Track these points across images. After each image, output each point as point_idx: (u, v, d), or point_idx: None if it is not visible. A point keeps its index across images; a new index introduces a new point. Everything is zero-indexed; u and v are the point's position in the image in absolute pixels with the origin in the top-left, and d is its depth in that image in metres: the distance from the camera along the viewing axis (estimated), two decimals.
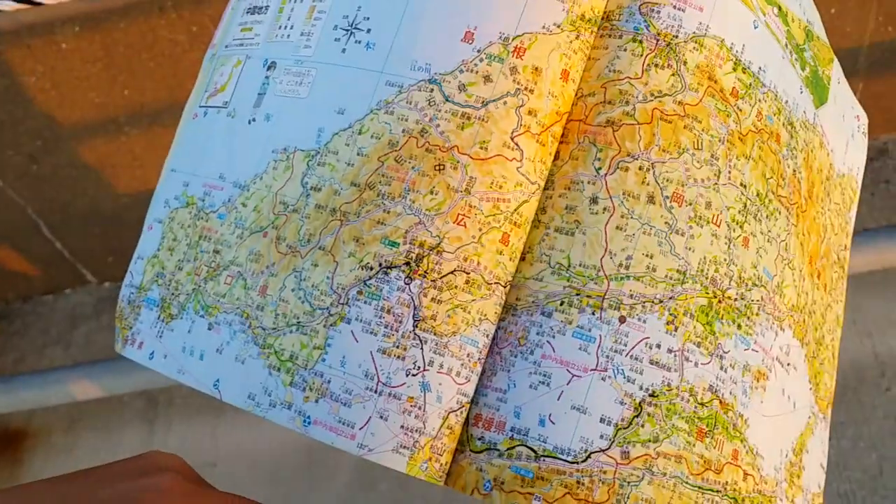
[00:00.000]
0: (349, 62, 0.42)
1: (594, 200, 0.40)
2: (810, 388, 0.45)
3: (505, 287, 0.40)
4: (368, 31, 0.42)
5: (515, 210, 0.40)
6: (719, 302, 0.40)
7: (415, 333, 0.38)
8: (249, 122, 0.45)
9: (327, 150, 0.42)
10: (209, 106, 0.48)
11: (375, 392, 0.38)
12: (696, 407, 0.38)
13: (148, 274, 0.47)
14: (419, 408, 0.38)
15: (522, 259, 0.41)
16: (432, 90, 0.40)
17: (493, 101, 0.40)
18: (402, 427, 0.37)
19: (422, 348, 0.38)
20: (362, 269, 0.39)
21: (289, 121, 0.44)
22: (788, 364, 0.42)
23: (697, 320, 0.39)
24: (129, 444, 1.28)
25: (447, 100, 0.40)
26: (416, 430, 0.38)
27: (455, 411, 0.38)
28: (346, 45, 0.43)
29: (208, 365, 0.42)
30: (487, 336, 0.39)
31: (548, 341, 0.39)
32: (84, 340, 1.45)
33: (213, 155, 0.46)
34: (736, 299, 0.40)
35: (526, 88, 0.40)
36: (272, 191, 0.43)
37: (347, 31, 0.43)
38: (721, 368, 0.39)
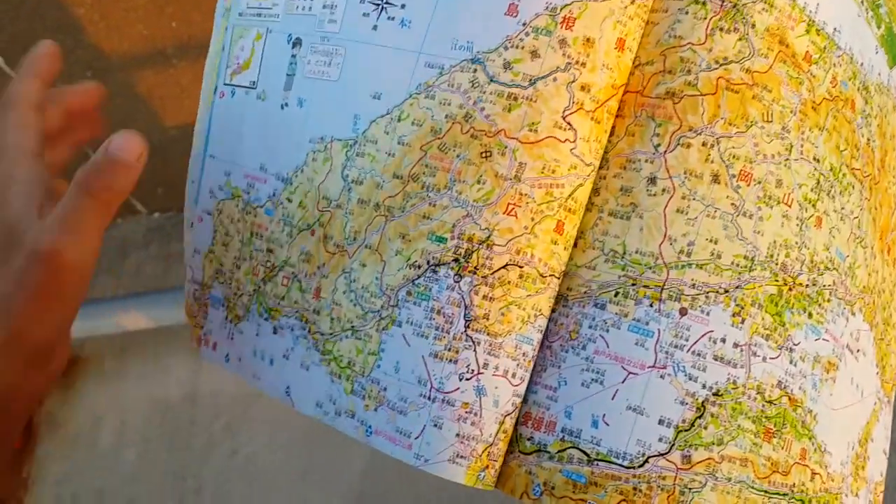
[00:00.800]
0: (383, 41, 0.39)
1: (652, 181, 0.37)
2: (877, 373, 0.42)
3: (559, 278, 0.38)
4: (403, 6, 0.38)
5: (570, 196, 0.37)
6: (790, 290, 0.37)
7: (467, 335, 0.36)
8: (282, 107, 0.42)
9: (365, 140, 0.39)
10: (235, 85, 0.45)
11: (429, 399, 0.36)
12: (763, 406, 0.36)
13: (207, 270, 0.46)
14: (475, 414, 0.36)
15: (574, 245, 0.38)
16: (475, 70, 0.37)
17: (542, 78, 0.37)
18: (457, 435, 0.36)
19: (475, 350, 0.36)
20: (410, 267, 0.37)
21: (322, 106, 0.41)
22: (858, 350, 0.40)
23: (766, 311, 0.36)
24: (176, 374, 1.31)
25: (492, 80, 0.37)
26: (473, 438, 0.36)
27: (510, 414, 0.37)
28: (377, 22, 0.39)
29: (278, 371, 0.41)
30: (541, 332, 0.38)
31: (601, 335, 0.37)
32: (134, 270, 1.47)
33: (249, 142, 0.44)
34: (807, 286, 0.37)
35: (577, 62, 0.37)
36: (314, 185, 0.40)
37: (378, 5, 0.39)
38: (790, 362, 0.37)
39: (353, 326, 0.38)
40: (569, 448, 0.36)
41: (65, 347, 0.38)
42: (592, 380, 0.36)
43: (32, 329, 0.36)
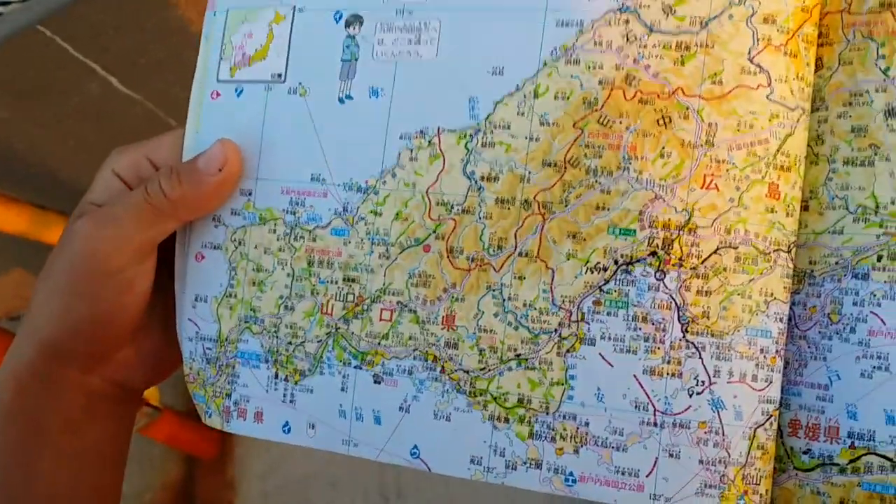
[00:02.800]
0: (494, 3, 0.33)
1: (891, 112, 0.29)
2: None
3: (789, 252, 0.30)
4: None
5: (778, 151, 0.30)
6: None
7: (686, 340, 0.29)
8: (341, 101, 0.35)
9: (492, 126, 0.33)
10: (241, 80, 0.37)
11: (655, 425, 0.29)
12: None
13: (227, 321, 0.37)
14: (716, 433, 0.29)
15: (805, 209, 0.31)
16: (627, 21, 0.31)
17: (715, 17, 0.30)
18: (700, 462, 0.29)
19: (700, 357, 0.29)
20: (591, 271, 0.31)
21: (415, 93, 0.34)
22: None
23: None
24: None
25: (652, 30, 0.31)
26: (721, 461, 0.29)
27: (762, 425, 0.29)
28: None
29: (391, 429, 0.34)
30: (781, 320, 0.30)
31: (872, 312, 0.29)
32: None
33: (283, 149, 0.36)
34: None
35: None
36: (419, 189, 0.34)
37: None
38: None
39: (518, 355, 0.32)
40: (863, 455, 0.28)
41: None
42: (874, 367, 0.29)
43: (47, 328, 0.36)
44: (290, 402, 0.36)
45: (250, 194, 0.36)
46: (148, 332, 0.38)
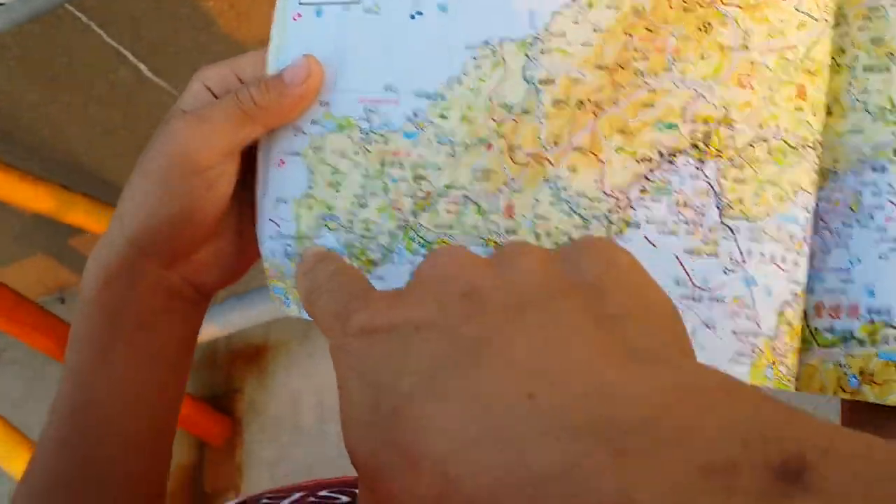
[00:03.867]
0: None
1: None
2: None
3: (814, 148, 0.33)
4: None
5: (806, 56, 0.33)
6: None
7: (723, 223, 0.32)
8: (412, 17, 0.38)
9: (549, 34, 0.35)
10: (321, 2, 0.40)
11: (693, 299, 0.32)
12: None
13: (306, 218, 0.40)
14: (748, 307, 0.32)
15: (829, 114, 0.34)
16: None
17: None
18: (733, 332, 0.32)
19: (735, 239, 0.32)
20: (639, 162, 0.34)
21: (478, 8, 0.37)
22: None
23: None
24: None
25: None
26: (751, 333, 0.32)
27: (789, 303, 0.32)
28: None
29: None
30: (808, 210, 0.33)
31: (889, 200, 0.32)
32: None
33: (360, 63, 0.39)
34: None
35: None
36: (482, 94, 0.37)
37: None
38: None
39: (571, 238, 0.35)
40: (881, 329, 0.31)
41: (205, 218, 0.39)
42: (891, 249, 0.31)
43: (137, 221, 0.38)
44: None
45: (328, 104, 0.39)
46: (224, 235, 0.40)
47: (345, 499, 0.42)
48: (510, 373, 0.19)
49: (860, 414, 0.33)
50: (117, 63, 1.21)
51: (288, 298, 0.41)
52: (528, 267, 0.22)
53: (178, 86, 1.23)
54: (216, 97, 0.39)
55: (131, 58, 1.21)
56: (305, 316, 0.39)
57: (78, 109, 1.31)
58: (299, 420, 1.34)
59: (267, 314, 1.31)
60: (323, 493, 0.42)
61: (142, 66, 1.22)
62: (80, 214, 1.24)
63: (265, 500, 0.41)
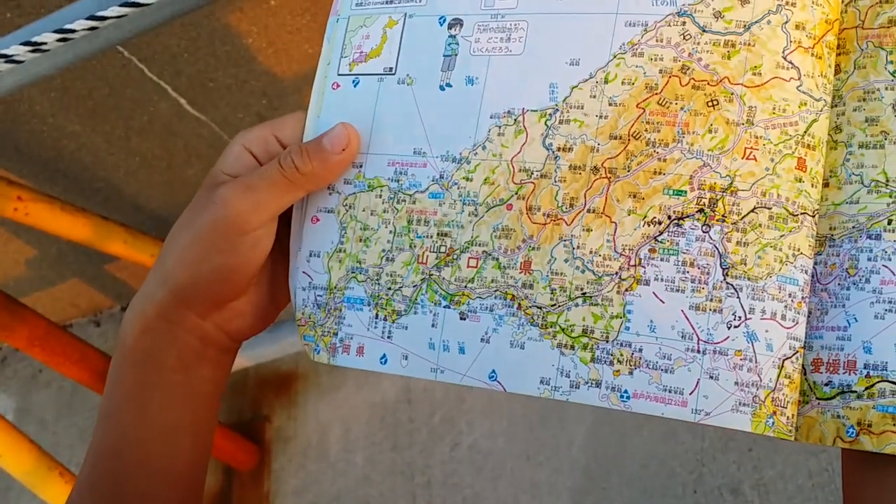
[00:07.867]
0: (572, 8, 0.40)
1: None
2: None
3: (813, 216, 0.36)
4: None
5: (806, 132, 0.36)
6: None
7: (727, 282, 0.35)
8: (442, 88, 0.42)
9: (568, 106, 0.39)
10: (358, 74, 0.44)
11: (698, 352, 0.35)
12: None
13: (336, 271, 0.43)
14: (750, 360, 0.35)
15: (826, 185, 0.37)
16: (684, 23, 0.37)
17: (756, 22, 0.37)
18: (736, 384, 0.34)
19: (738, 297, 0.35)
20: (649, 224, 0.37)
21: (504, 81, 0.41)
22: None
23: None
24: (388, 377, 1.31)
25: (704, 30, 0.37)
26: (753, 384, 0.34)
27: (789, 358, 0.35)
28: None
29: (473, 357, 0.39)
30: (806, 272, 0.36)
31: (884, 265, 0.34)
32: None
33: (391, 129, 0.43)
34: None
35: (787, 3, 0.36)
36: (505, 159, 0.40)
37: None
38: None
39: (584, 293, 0.38)
40: (877, 383, 0.34)
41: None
42: (886, 310, 0.34)
43: (181, 275, 0.40)
44: (388, 337, 0.42)
45: (361, 166, 0.43)
46: (258, 287, 0.43)
47: None
48: None
49: (860, 461, 0.35)
50: (158, 97, 1.26)
51: (318, 346, 0.44)
52: None
53: (216, 119, 1.27)
54: (256, 159, 0.42)
55: (172, 92, 1.25)
56: (335, 362, 0.43)
57: (119, 140, 1.36)
58: (326, 449, 1.36)
59: (296, 345, 1.34)
60: None
61: (182, 100, 1.26)
62: (117, 244, 1.27)
63: None
